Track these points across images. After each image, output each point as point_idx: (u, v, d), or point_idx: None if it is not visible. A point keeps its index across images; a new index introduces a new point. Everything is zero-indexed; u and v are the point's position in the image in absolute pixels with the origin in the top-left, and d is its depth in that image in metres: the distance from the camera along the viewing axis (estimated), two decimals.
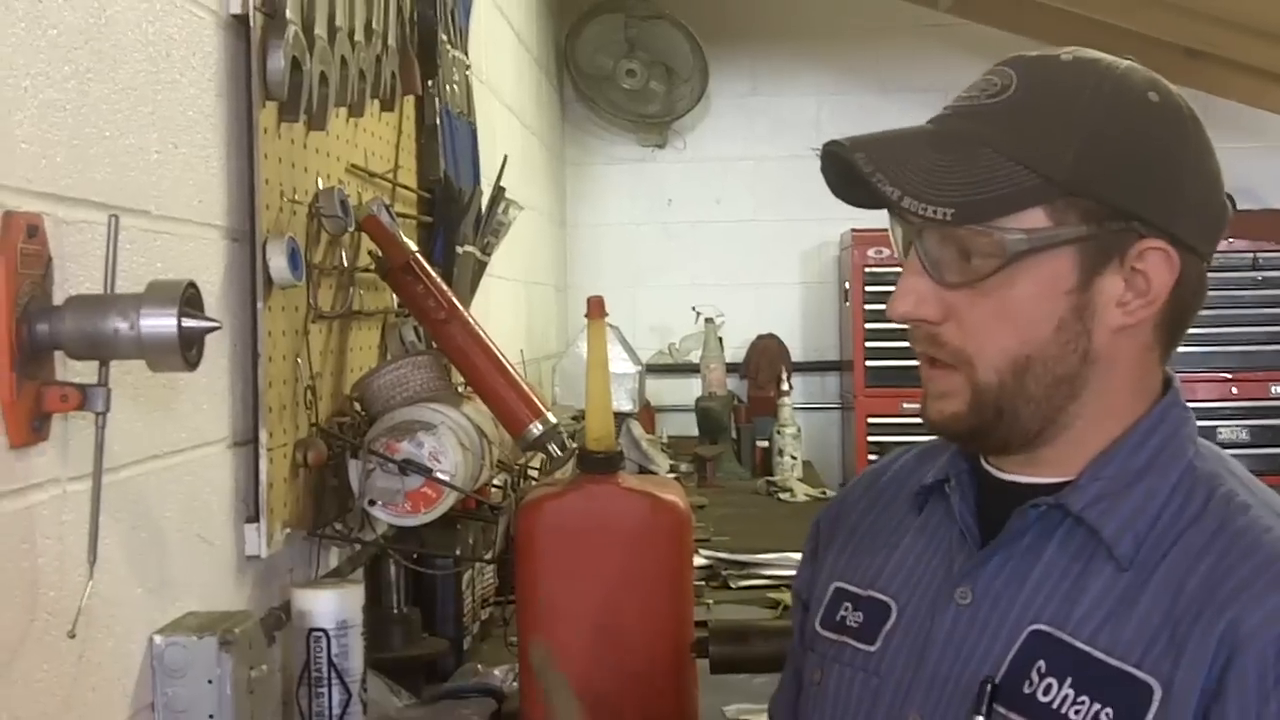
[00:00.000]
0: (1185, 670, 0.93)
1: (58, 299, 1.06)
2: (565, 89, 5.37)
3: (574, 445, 1.83)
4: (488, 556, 2.18)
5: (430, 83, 2.26)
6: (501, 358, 1.84)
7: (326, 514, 1.71)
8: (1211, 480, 1.02)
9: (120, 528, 1.20)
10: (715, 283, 5.31)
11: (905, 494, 1.18)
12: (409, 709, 1.76)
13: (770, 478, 4.20)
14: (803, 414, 4.72)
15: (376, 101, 1.93)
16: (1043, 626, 1.00)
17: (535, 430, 1.80)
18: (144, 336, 1.04)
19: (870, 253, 4.83)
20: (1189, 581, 0.96)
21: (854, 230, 4.88)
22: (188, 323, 1.05)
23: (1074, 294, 1.00)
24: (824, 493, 3.99)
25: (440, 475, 1.66)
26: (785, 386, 4.53)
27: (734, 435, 4.56)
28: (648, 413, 4.62)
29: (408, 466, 1.66)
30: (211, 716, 1.24)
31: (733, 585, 2.71)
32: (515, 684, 1.81)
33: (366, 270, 1.87)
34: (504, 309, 3.46)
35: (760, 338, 5.26)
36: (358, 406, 1.81)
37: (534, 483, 2.11)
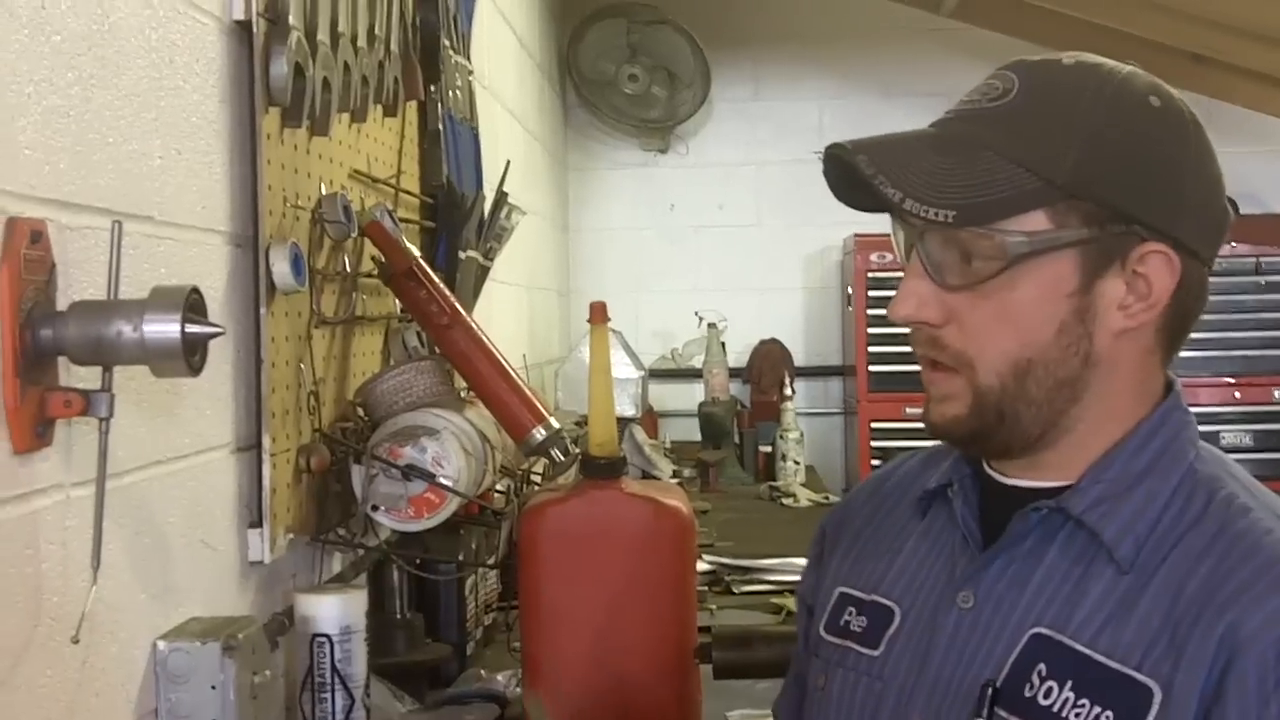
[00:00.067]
0: (1185, 672, 0.93)
1: (61, 304, 1.06)
2: (567, 94, 5.38)
3: (577, 450, 1.83)
4: (491, 562, 2.18)
5: (433, 88, 2.27)
6: (504, 363, 1.84)
7: (329, 519, 1.71)
8: (1212, 483, 1.02)
9: (124, 533, 1.20)
10: (718, 287, 5.31)
11: (909, 499, 1.18)
12: (412, 714, 1.77)
13: (773, 483, 4.19)
14: (806, 419, 4.72)
15: (379, 107, 1.93)
16: (1044, 630, 1.00)
17: (538, 435, 1.80)
18: (147, 342, 1.04)
19: (873, 257, 4.83)
20: (1189, 584, 0.96)
21: (857, 235, 4.88)
22: (191, 328, 1.05)
23: (1075, 297, 1.01)
24: (827, 498, 3.99)
25: (443, 480, 1.66)
26: (788, 391, 4.53)
27: (737, 440, 4.55)
28: (650, 418, 4.62)
29: (411, 472, 1.66)
30: None
31: (736, 590, 2.71)
32: (518, 689, 1.80)
33: (369, 276, 1.88)
34: (506, 314, 3.46)
35: (763, 343, 5.26)
36: (361, 412, 1.81)
37: (537, 488, 2.11)
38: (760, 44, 5.38)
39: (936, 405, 1.06)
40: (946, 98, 1.11)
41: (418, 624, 1.95)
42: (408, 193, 2.18)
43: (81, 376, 1.08)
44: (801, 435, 4.34)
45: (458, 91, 2.49)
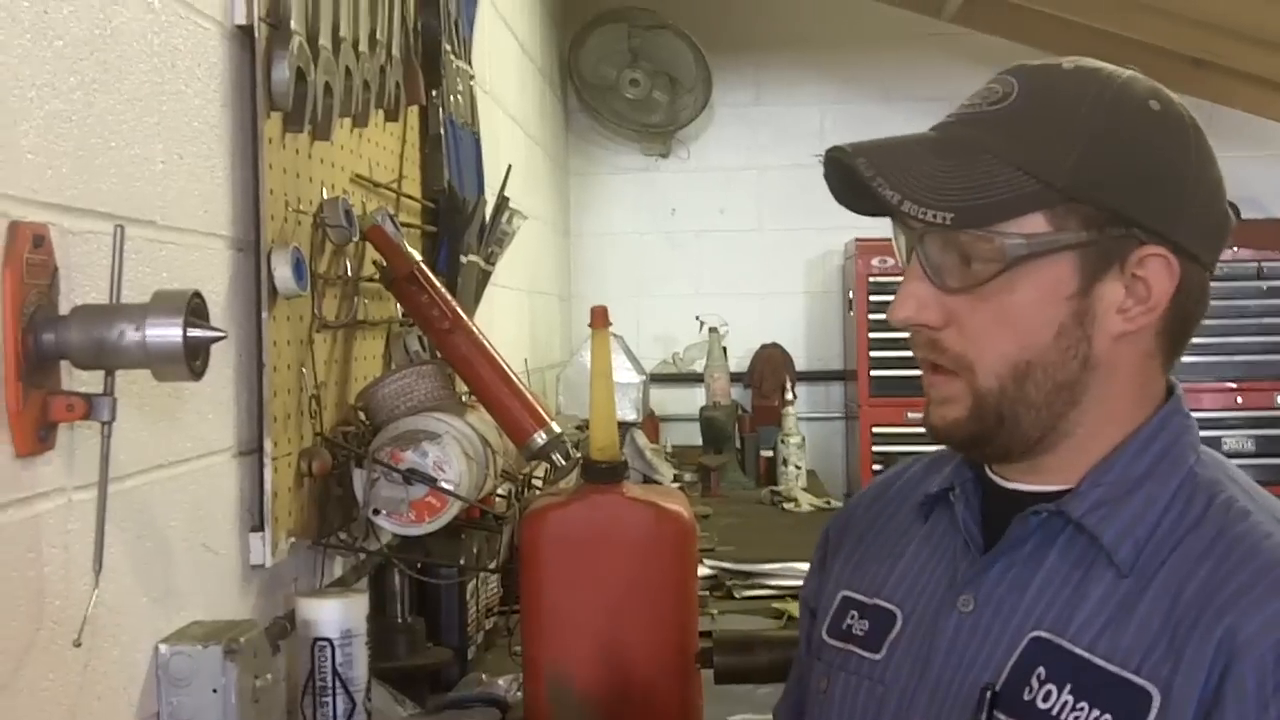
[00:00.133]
0: (1184, 676, 0.93)
1: (63, 309, 1.06)
2: (569, 99, 5.38)
3: (578, 455, 1.83)
4: (492, 566, 2.18)
5: (434, 93, 2.27)
6: (505, 367, 1.84)
7: (331, 523, 1.71)
8: (1212, 487, 1.02)
9: (125, 537, 1.20)
10: (719, 292, 5.31)
11: (911, 503, 1.18)
12: (413, 719, 1.77)
13: (774, 487, 4.19)
14: (807, 424, 4.72)
15: (381, 112, 1.93)
16: (1043, 633, 1.00)
17: (539, 440, 1.80)
18: (149, 346, 1.04)
19: (874, 262, 4.83)
20: (1188, 587, 0.96)
21: (858, 240, 4.88)
22: (193, 332, 1.06)
23: (1074, 300, 1.01)
24: (828, 503, 3.99)
25: (444, 485, 1.66)
26: (789, 396, 4.53)
27: (738, 445, 4.55)
28: (652, 422, 4.62)
29: (412, 476, 1.66)
30: None
31: (737, 595, 2.71)
32: (519, 694, 1.80)
33: (371, 280, 1.88)
34: (508, 318, 3.46)
35: (764, 347, 5.26)
36: (362, 416, 1.81)
37: (538, 492, 2.11)
38: (761, 49, 5.39)
39: (936, 408, 1.07)
40: (947, 102, 1.11)
41: (419, 628, 1.95)
42: (409, 197, 2.18)
43: (84, 380, 1.08)
44: (803, 440, 4.33)
45: (459, 96, 2.49)
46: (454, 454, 1.67)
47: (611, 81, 5.25)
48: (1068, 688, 0.97)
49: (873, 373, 4.87)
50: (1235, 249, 4.62)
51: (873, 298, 4.85)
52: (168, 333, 1.04)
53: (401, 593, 1.92)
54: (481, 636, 2.18)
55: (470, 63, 2.64)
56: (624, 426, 3.51)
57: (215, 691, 1.24)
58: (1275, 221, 4.82)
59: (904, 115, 4.56)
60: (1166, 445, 1.04)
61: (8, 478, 1.01)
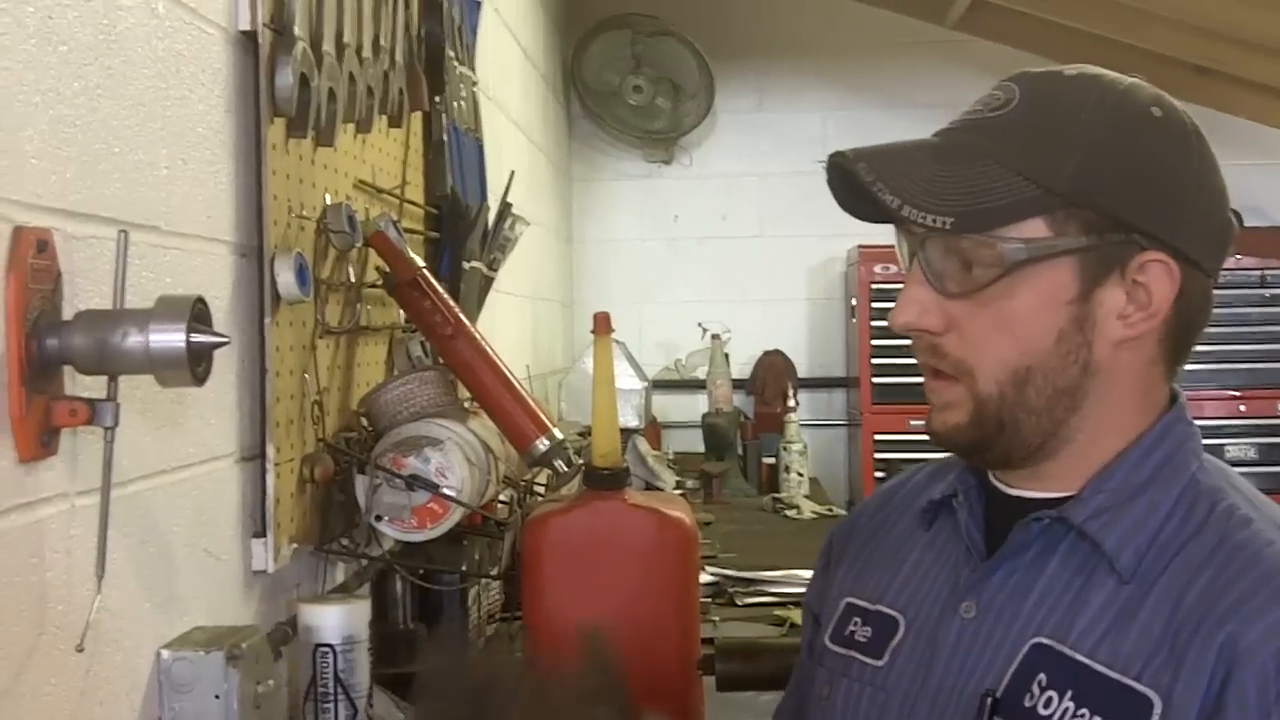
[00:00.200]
0: (1185, 683, 0.93)
1: (67, 314, 1.06)
2: (572, 105, 5.39)
3: (580, 461, 1.83)
4: (494, 572, 2.18)
5: (437, 99, 2.27)
6: (508, 373, 1.84)
7: (333, 529, 1.71)
8: (1214, 494, 1.02)
9: (128, 542, 1.20)
10: (721, 299, 5.31)
11: (915, 510, 1.18)
12: None
13: (776, 494, 4.19)
14: (809, 430, 4.71)
15: (384, 117, 1.93)
16: (1044, 640, 1.00)
17: (541, 446, 1.80)
18: (153, 351, 1.04)
19: (877, 269, 4.83)
20: (1189, 594, 0.96)
21: (861, 246, 4.87)
22: (196, 338, 1.06)
23: (1074, 305, 1.01)
24: (830, 510, 3.98)
25: (446, 491, 1.66)
26: (792, 403, 4.52)
27: (740, 452, 4.55)
28: (654, 429, 4.62)
29: (414, 482, 1.66)
30: None
31: (739, 602, 2.70)
32: None
33: (374, 286, 1.88)
34: (510, 324, 3.46)
35: (766, 354, 5.26)
36: (365, 422, 1.81)
37: (540, 499, 2.11)
38: (764, 55, 5.39)
39: (938, 414, 1.07)
40: (950, 109, 1.11)
41: (421, 634, 1.95)
42: (412, 203, 2.18)
43: (87, 386, 1.08)
44: (805, 447, 4.33)
45: (462, 102, 2.49)
46: (456, 460, 1.67)
47: (614, 88, 5.26)
48: (1069, 694, 0.97)
49: (875, 379, 4.87)
50: (1238, 257, 4.62)
51: (875, 304, 4.84)
52: (171, 338, 1.04)
53: (403, 599, 1.91)
54: (483, 643, 2.18)
55: (473, 69, 2.64)
56: (626, 433, 3.51)
57: (217, 697, 1.24)
58: (1278, 230, 4.81)
59: (906, 122, 4.55)
60: (1169, 452, 1.04)
61: (11, 483, 1.01)
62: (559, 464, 1.83)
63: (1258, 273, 4.80)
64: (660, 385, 5.04)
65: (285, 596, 1.60)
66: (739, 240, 5.44)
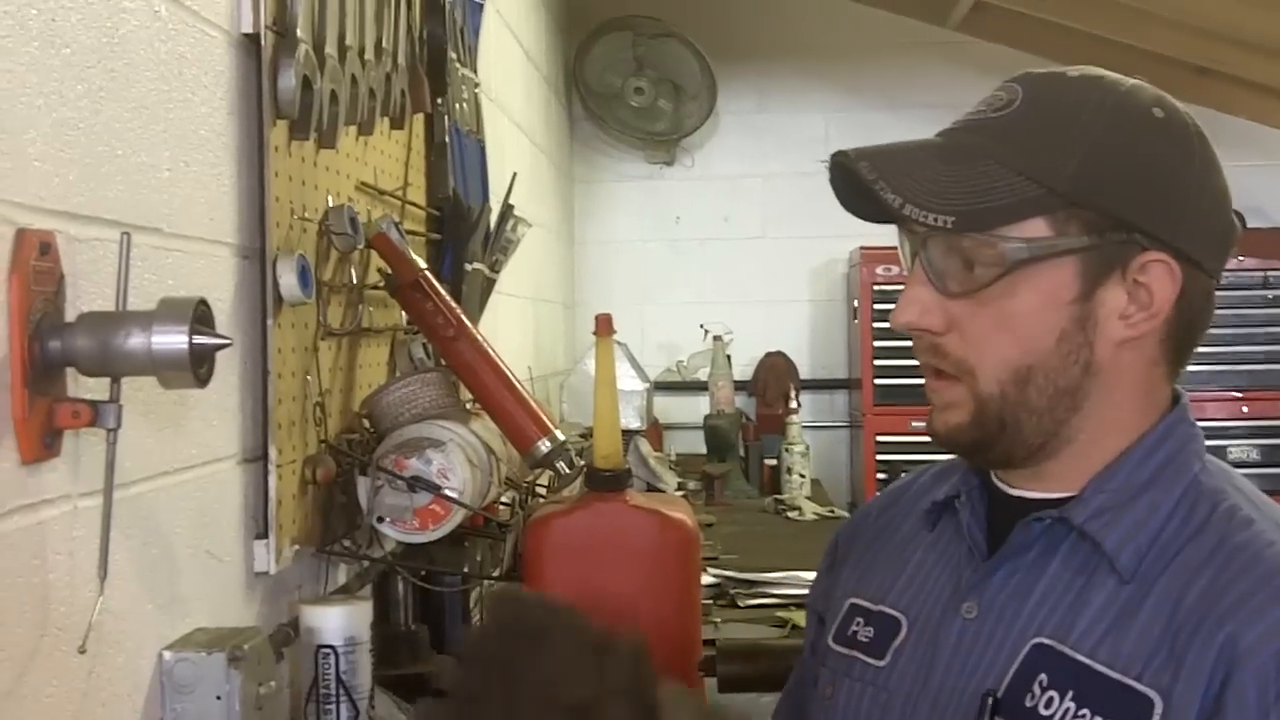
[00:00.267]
0: (1185, 683, 0.93)
1: (70, 316, 1.06)
2: (574, 107, 5.39)
3: (582, 463, 1.83)
4: (496, 574, 2.18)
5: (440, 101, 2.27)
6: (509, 375, 1.85)
7: (335, 531, 1.71)
8: (1215, 495, 1.02)
9: (130, 544, 1.20)
10: (723, 300, 5.31)
11: (918, 511, 1.19)
12: None
13: (778, 496, 4.19)
14: (811, 432, 4.72)
15: (386, 119, 1.94)
16: (1045, 640, 1.00)
17: (543, 447, 1.80)
18: (155, 353, 1.04)
19: (879, 270, 4.82)
20: (1189, 594, 0.96)
21: (863, 248, 4.87)
22: (199, 340, 1.06)
23: (1075, 305, 1.01)
24: (832, 511, 3.98)
25: (448, 492, 1.66)
26: (793, 404, 4.53)
27: (742, 453, 4.55)
28: (655, 430, 4.62)
29: (416, 483, 1.66)
30: None
31: (740, 604, 2.70)
32: None
33: (376, 287, 1.88)
34: (512, 326, 3.46)
35: (768, 355, 5.26)
36: (366, 423, 1.81)
37: (542, 500, 2.11)
38: (766, 57, 5.39)
39: (939, 414, 1.07)
40: (952, 110, 1.11)
41: (422, 636, 1.95)
42: (414, 205, 2.18)
43: (89, 387, 1.09)
44: (807, 448, 4.33)
45: (464, 104, 2.49)
46: (458, 461, 1.68)
47: (616, 89, 5.26)
48: (1069, 694, 0.97)
49: (877, 381, 4.86)
50: (1240, 259, 4.62)
51: (877, 306, 4.83)
52: (174, 340, 1.05)
53: (405, 600, 1.91)
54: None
55: (475, 71, 2.64)
56: (628, 434, 3.51)
57: (219, 698, 1.24)
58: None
59: (908, 123, 4.55)
60: (1171, 453, 1.04)
61: (14, 484, 1.01)
62: (561, 465, 1.83)
63: (1260, 274, 4.79)
64: (662, 387, 5.04)
65: (287, 598, 1.60)
66: (741, 241, 5.44)
